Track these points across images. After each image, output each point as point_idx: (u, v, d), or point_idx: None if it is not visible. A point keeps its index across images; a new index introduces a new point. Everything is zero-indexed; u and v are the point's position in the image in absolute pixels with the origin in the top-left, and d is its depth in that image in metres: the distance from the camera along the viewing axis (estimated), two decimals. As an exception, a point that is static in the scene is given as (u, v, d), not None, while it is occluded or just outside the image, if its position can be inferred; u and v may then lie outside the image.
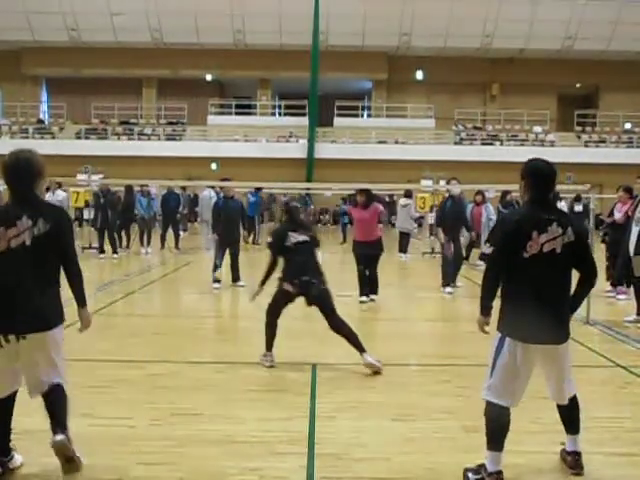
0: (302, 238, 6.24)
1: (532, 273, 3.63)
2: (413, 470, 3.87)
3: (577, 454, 3.92)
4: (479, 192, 14.86)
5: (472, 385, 5.55)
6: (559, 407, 3.99)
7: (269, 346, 6.19)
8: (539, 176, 3.76)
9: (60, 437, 3.62)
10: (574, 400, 3.98)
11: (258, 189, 20.05)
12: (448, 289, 10.90)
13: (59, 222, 3.79)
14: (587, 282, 3.87)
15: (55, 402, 3.76)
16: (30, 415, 4.65)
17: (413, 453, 4.12)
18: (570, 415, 3.98)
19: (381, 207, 9.96)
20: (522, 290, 3.65)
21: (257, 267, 15.50)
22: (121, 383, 5.48)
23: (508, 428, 3.72)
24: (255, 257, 17.13)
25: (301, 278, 6.04)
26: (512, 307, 3.65)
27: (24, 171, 3.80)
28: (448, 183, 11.97)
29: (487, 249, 3.61)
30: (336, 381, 5.60)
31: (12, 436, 3.90)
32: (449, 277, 11.01)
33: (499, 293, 3.78)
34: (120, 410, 4.77)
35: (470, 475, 3.80)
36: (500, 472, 3.70)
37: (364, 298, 9.67)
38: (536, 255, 3.61)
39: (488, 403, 3.75)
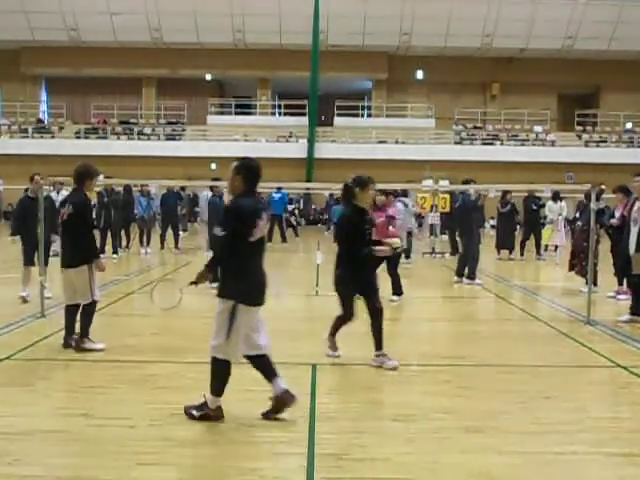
0: None
1: (255, 252, 4.53)
2: (413, 470, 3.87)
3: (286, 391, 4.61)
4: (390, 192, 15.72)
5: (472, 385, 5.56)
6: (257, 360, 4.66)
7: None
8: (254, 172, 4.56)
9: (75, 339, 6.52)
10: (265, 356, 4.69)
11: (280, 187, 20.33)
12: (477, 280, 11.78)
13: (77, 207, 6.46)
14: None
15: (81, 315, 6.54)
16: (30, 416, 4.66)
17: (413, 453, 4.11)
18: (266, 364, 4.70)
19: (393, 210, 9.88)
20: (248, 265, 4.47)
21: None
22: (121, 383, 5.48)
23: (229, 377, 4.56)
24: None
25: None
26: (242, 279, 4.43)
27: (76, 174, 6.60)
28: (467, 183, 12.46)
29: (219, 232, 4.34)
30: (336, 381, 5.60)
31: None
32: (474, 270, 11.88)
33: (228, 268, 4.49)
34: (120, 410, 4.77)
35: (194, 412, 4.56)
36: (220, 406, 4.57)
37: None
38: (260, 238, 4.51)
39: (218, 360, 4.53)
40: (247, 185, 4.50)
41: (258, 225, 4.43)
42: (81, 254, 6.44)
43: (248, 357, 4.68)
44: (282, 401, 4.60)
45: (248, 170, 4.53)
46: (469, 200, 12.35)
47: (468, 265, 11.85)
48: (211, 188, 11.76)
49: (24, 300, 9.07)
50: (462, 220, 11.94)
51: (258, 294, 4.53)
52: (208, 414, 4.55)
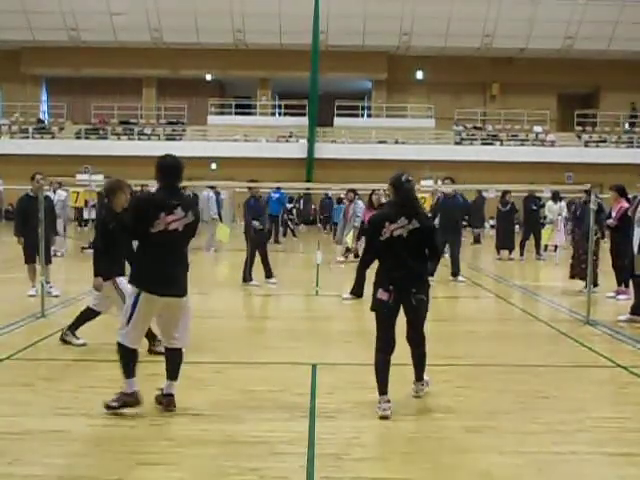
0: None
1: (161, 243, 4.58)
2: (413, 470, 3.87)
3: (171, 395, 4.77)
4: (351, 190, 15.73)
5: (472, 385, 5.56)
6: (170, 352, 4.83)
7: None
8: (166, 169, 4.76)
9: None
10: (178, 350, 4.83)
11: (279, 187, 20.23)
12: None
13: (96, 222, 6.93)
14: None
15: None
16: (30, 416, 4.66)
17: (413, 453, 4.11)
18: (174, 362, 4.82)
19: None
20: (151, 255, 4.62)
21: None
22: (121, 383, 5.47)
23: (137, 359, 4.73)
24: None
25: None
26: (144, 268, 4.65)
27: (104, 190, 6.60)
28: (442, 182, 12.42)
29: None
30: (336, 381, 5.60)
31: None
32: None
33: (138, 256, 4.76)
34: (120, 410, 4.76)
35: (114, 404, 4.61)
36: (136, 391, 4.65)
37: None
38: (163, 231, 4.56)
39: (120, 344, 4.66)
40: (162, 181, 4.76)
41: (160, 218, 4.56)
42: (100, 267, 6.41)
43: (165, 348, 4.90)
44: (162, 404, 4.73)
45: (161, 167, 4.79)
46: (448, 200, 12.26)
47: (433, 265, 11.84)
48: (249, 189, 11.73)
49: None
50: (446, 219, 11.85)
51: (160, 284, 4.61)
52: (125, 401, 4.64)
